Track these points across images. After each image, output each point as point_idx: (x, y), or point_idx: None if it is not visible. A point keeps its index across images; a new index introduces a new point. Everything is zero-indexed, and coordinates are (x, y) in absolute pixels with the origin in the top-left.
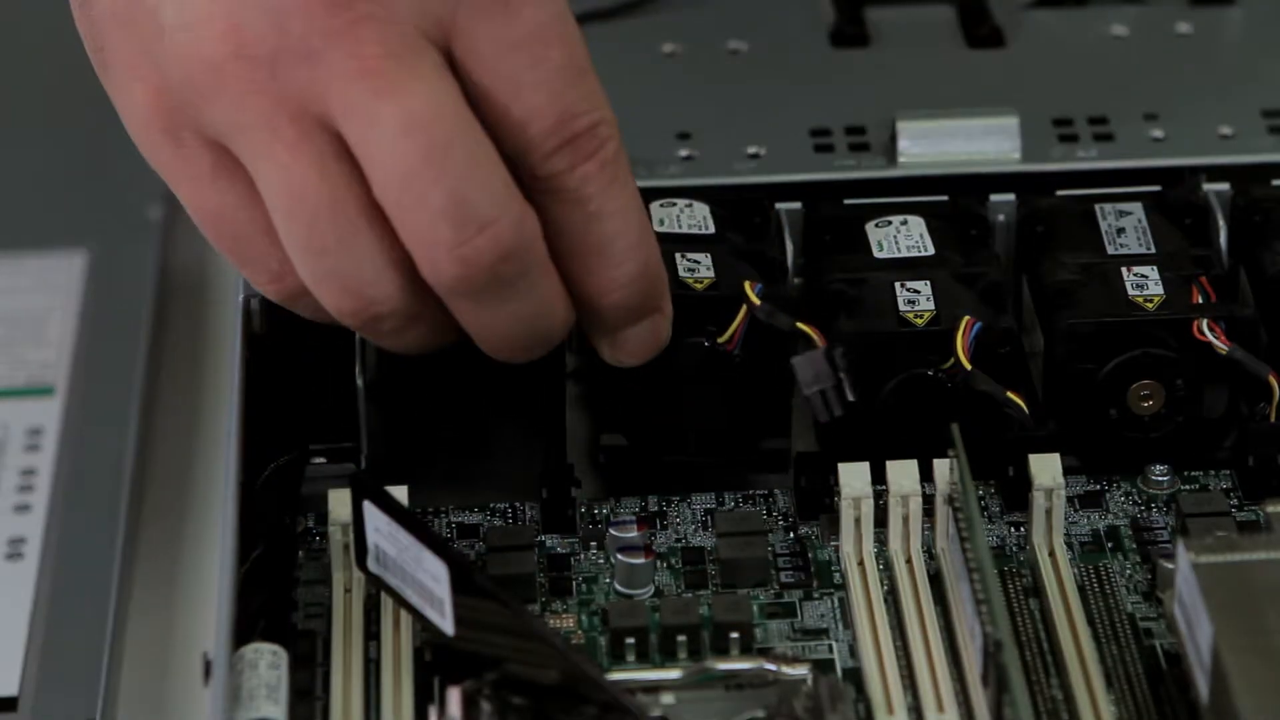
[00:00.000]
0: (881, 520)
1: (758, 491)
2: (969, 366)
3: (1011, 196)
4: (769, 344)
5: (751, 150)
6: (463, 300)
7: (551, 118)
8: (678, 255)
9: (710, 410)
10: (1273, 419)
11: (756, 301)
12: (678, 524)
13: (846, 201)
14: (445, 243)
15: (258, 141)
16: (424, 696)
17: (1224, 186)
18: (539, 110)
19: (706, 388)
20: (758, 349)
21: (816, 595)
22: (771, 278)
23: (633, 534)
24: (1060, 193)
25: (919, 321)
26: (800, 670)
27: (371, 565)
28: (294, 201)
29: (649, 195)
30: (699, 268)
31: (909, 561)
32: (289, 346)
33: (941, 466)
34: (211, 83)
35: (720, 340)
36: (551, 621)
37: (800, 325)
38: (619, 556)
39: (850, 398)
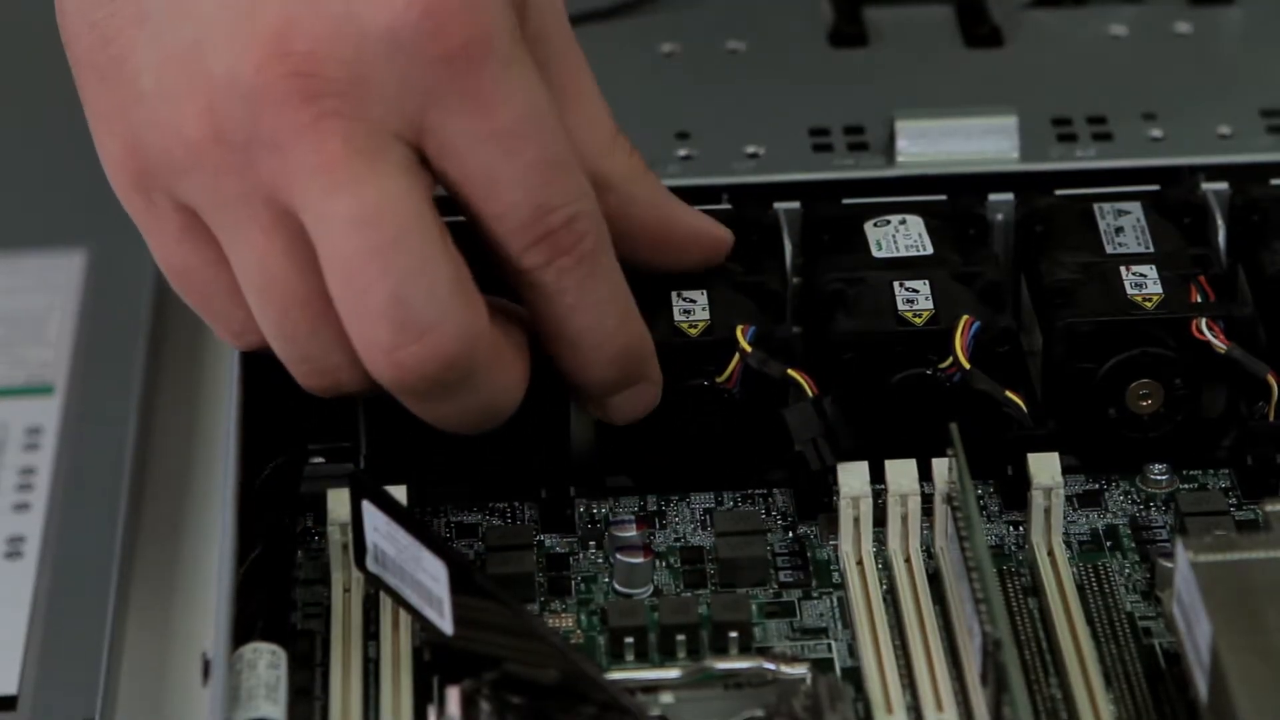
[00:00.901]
0: (880, 519)
1: (756, 491)
2: (968, 366)
3: (1010, 196)
4: (769, 381)
5: (750, 150)
6: (405, 397)
7: (526, 213)
8: (674, 295)
9: (712, 448)
10: (1271, 418)
11: (748, 349)
12: (676, 523)
13: (845, 201)
14: (382, 345)
15: (232, 220)
16: (423, 696)
17: (1223, 186)
18: (514, 205)
19: (708, 427)
20: (757, 388)
21: (815, 594)
22: (771, 312)
23: (631, 533)
24: (1059, 192)
25: (918, 321)
26: (799, 669)
27: (370, 565)
28: (267, 287)
29: None
30: (695, 309)
31: (908, 561)
32: None
33: (940, 466)
34: (187, 159)
35: (719, 380)
36: (550, 621)
37: (792, 373)
38: (618, 556)
39: (845, 445)
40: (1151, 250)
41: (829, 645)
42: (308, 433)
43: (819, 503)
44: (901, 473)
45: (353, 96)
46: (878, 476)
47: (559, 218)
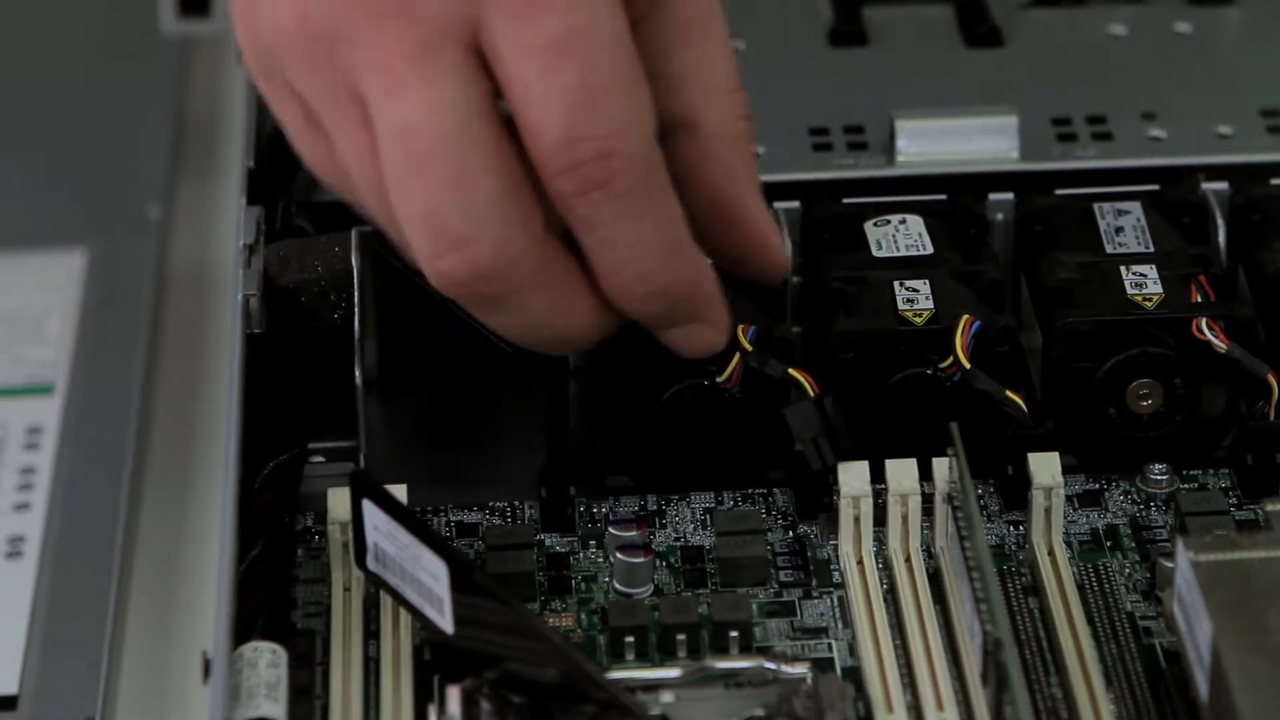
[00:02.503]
0: (881, 519)
1: (757, 490)
2: (968, 365)
3: (1010, 195)
4: (769, 381)
5: None
6: (460, 302)
7: (557, 136)
8: None
9: (712, 448)
10: (1271, 418)
11: (749, 348)
12: (677, 523)
13: (845, 200)
14: (422, 252)
15: (329, 112)
16: (423, 695)
17: (1222, 185)
18: (547, 125)
19: (708, 427)
20: (757, 388)
21: (816, 594)
22: (771, 312)
23: (632, 533)
24: (1059, 192)
25: (918, 320)
26: (799, 669)
27: (371, 564)
28: (361, 180)
29: None
30: None
31: (908, 560)
32: (288, 345)
33: (941, 465)
34: (286, 50)
35: (720, 380)
36: (551, 620)
37: (792, 372)
38: (618, 555)
39: (845, 445)
40: (1151, 250)
41: (829, 645)
42: (308, 431)
43: (819, 502)
44: (902, 472)
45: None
46: (878, 476)
47: (589, 149)
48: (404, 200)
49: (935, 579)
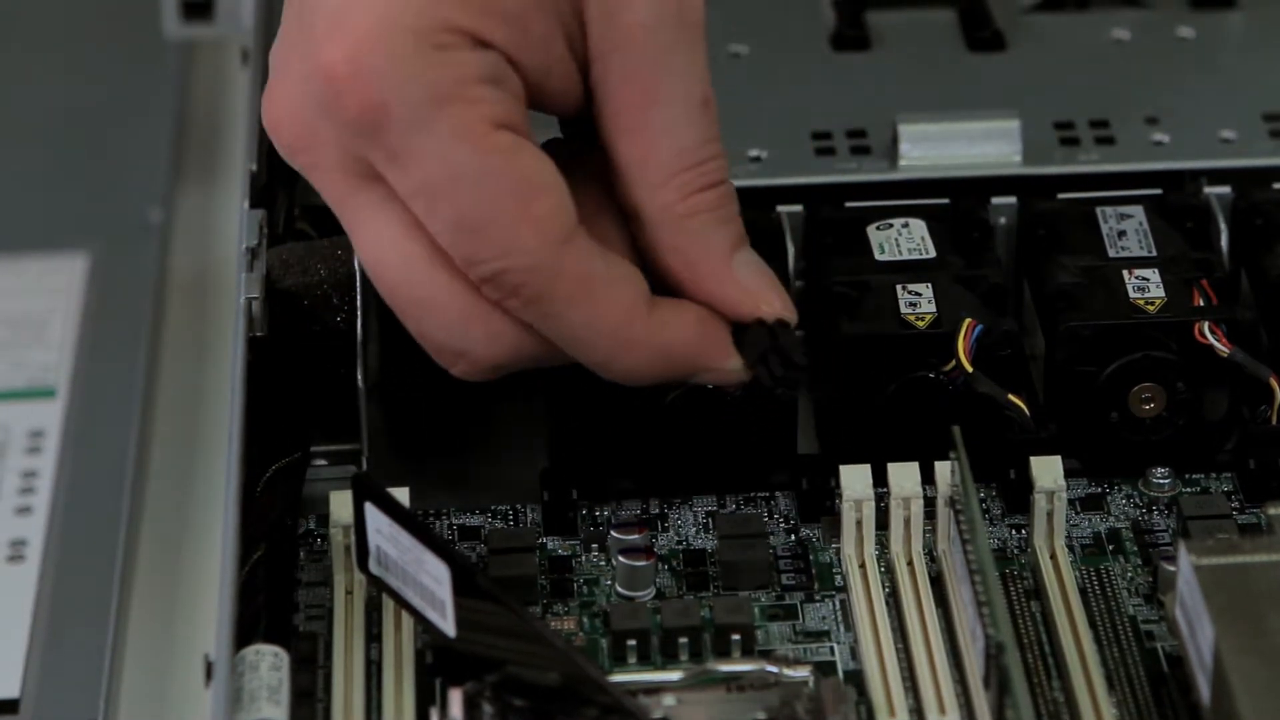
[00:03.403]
0: (883, 522)
1: (759, 494)
2: (970, 369)
3: (1013, 199)
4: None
5: (753, 153)
6: None
7: (460, 261)
8: None
9: (714, 451)
10: (1274, 422)
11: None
12: (679, 526)
13: (848, 204)
14: (441, 361)
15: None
16: (425, 698)
17: (1225, 190)
18: (449, 247)
19: (709, 429)
20: (758, 390)
21: (818, 597)
22: None
23: (634, 536)
24: (1061, 195)
25: (920, 324)
26: (802, 672)
27: (373, 567)
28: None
29: None
30: None
31: (910, 564)
32: (290, 348)
33: (943, 469)
34: (285, 154)
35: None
36: (553, 623)
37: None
38: (620, 559)
39: (798, 360)
40: (1154, 254)
41: (831, 648)
42: (310, 435)
43: (821, 505)
44: (904, 475)
45: (313, 152)
46: (880, 479)
47: (486, 270)
48: (402, 321)
49: (937, 582)
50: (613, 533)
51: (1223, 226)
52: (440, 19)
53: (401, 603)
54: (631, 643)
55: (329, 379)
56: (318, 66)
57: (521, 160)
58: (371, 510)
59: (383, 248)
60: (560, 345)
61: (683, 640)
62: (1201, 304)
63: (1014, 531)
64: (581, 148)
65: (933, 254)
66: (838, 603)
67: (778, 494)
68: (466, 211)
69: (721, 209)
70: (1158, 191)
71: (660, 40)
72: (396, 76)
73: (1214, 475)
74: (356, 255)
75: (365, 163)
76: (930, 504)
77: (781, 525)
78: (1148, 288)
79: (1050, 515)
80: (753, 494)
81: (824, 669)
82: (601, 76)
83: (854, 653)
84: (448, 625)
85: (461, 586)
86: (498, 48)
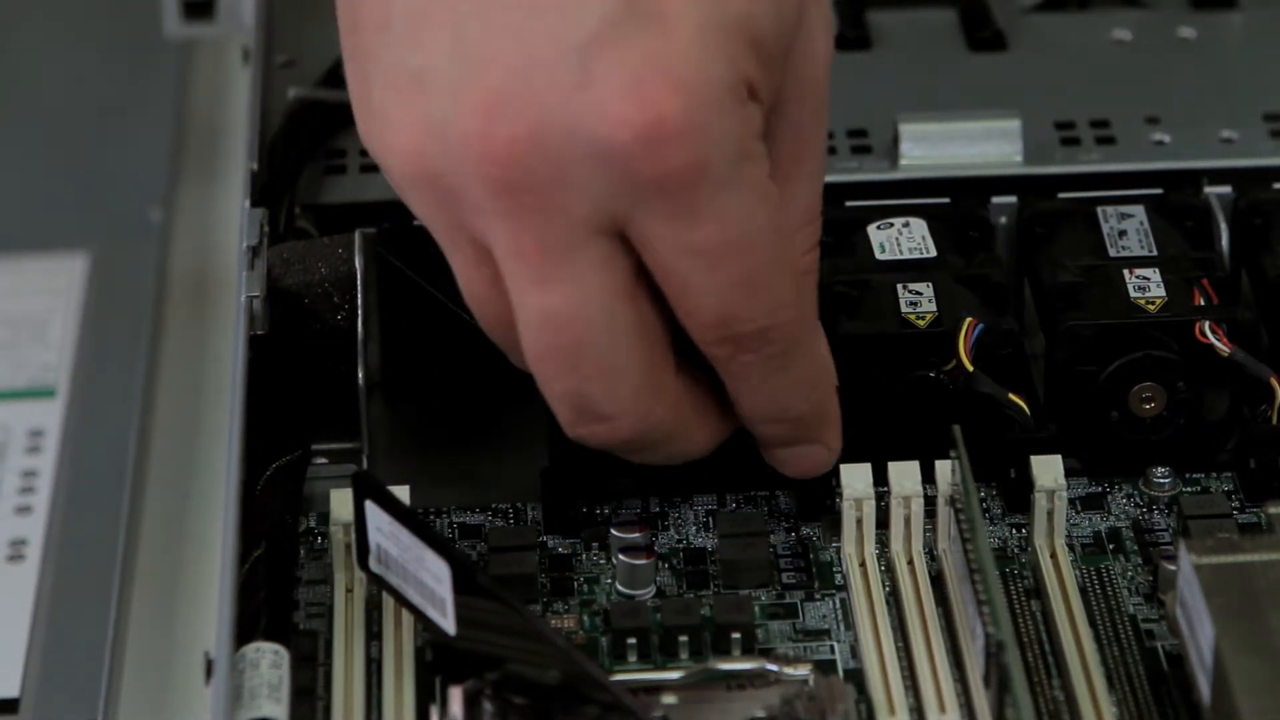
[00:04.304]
0: (883, 521)
1: (759, 492)
2: (970, 368)
3: (1013, 199)
4: None
5: None
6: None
7: (714, 319)
8: None
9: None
10: (1274, 421)
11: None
12: (679, 525)
13: (848, 203)
14: (564, 419)
15: (439, 238)
16: (425, 696)
17: (1226, 189)
18: (705, 309)
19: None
20: None
21: (818, 596)
22: None
23: (634, 535)
24: (1062, 195)
25: (921, 323)
26: (802, 671)
27: (373, 565)
28: (476, 306)
29: None
30: None
31: (911, 563)
32: (291, 346)
33: (943, 468)
34: (403, 179)
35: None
36: (553, 622)
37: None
38: (621, 557)
39: None
40: (1154, 253)
41: (832, 647)
42: (311, 433)
43: (822, 504)
44: (904, 474)
45: (552, 194)
46: (881, 478)
47: (748, 329)
48: (545, 378)
49: (938, 581)
50: (613, 531)
51: (1223, 226)
52: (740, 71)
53: (402, 601)
54: (632, 641)
55: (330, 377)
56: (608, 115)
57: (782, 214)
58: (372, 508)
59: (589, 304)
60: (763, 400)
61: (683, 639)
62: (1202, 303)
63: (1014, 530)
64: None
65: (933, 253)
66: (838, 601)
67: (778, 493)
68: (755, 270)
69: (815, 271)
70: (1158, 191)
71: (823, 96)
72: (718, 132)
73: (1214, 475)
74: (528, 307)
75: (616, 216)
76: (930, 503)
77: (782, 524)
78: (1148, 287)
79: (1050, 514)
80: (753, 492)
81: (824, 667)
82: (774, 123)
83: (854, 651)
84: (448, 623)
85: (462, 584)
86: (762, 100)
